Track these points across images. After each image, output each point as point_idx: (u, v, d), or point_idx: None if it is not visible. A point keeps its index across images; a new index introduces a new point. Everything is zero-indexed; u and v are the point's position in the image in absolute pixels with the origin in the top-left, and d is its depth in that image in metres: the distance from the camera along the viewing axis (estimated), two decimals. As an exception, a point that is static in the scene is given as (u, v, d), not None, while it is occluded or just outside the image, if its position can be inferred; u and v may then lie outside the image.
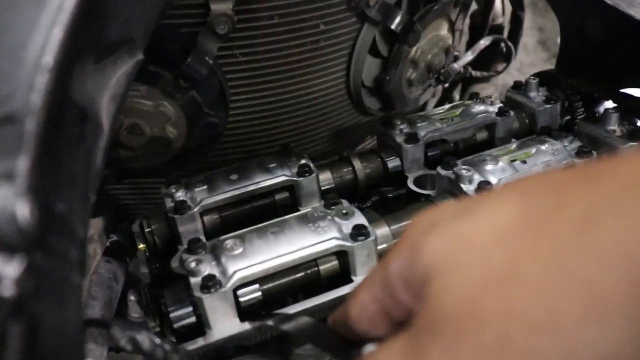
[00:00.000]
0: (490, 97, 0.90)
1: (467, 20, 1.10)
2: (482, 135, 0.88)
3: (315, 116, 0.96)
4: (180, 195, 0.72)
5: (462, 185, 0.69)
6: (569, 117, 0.90)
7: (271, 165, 0.75)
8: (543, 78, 0.91)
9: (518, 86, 0.92)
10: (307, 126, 0.97)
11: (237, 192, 0.72)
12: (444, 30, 0.99)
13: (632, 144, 0.76)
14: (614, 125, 0.79)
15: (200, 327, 0.59)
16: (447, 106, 0.91)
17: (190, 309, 0.59)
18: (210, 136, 0.85)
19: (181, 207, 0.69)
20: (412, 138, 0.80)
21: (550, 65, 2.84)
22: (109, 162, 0.85)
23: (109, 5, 0.36)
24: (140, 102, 0.78)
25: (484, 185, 0.68)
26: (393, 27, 0.88)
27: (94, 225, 0.62)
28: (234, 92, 0.85)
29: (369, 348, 0.36)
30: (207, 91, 0.80)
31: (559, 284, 0.22)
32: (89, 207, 0.35)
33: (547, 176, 0.28)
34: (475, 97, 0.91)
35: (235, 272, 0.58)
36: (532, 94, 0.89)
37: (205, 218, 0.73)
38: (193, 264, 0.59)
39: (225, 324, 0.58)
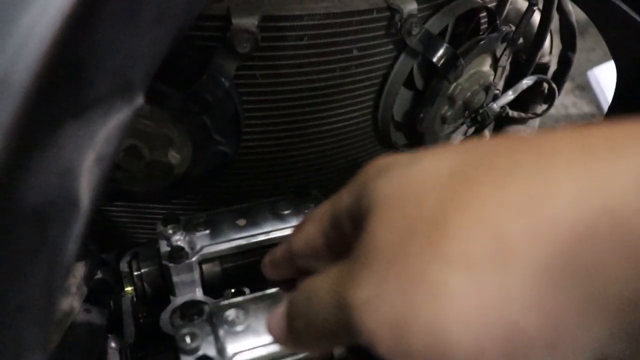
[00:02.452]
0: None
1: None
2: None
3: (336, 148, 0.86)
4: (177, 239, 0.62)
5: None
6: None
7: (285, 212, 0.66)
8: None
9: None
10: (326, 158, 0.87)
11: (243, 242, 0.62)
12: (486, 66, 0.89)
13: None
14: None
15: (188, 412, 0.49)
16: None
17: (177, 391, 0.49)
18: (218, 165, 0.75)
19: (178, 255, 0.59)
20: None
21: (574, 97, 2.74)
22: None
23: (95, 57, 0.26)
24: (141, 123, 0.68)
25: None
26: (434, 60, 0.78)
27: (72, 273, 0.53)
28: (248, 117, 0.75)
29: None
30: (219, 116, 0.70)
31: (475, 231, 0.24)
32: (52, 325, 0.26)
33: (497, 140, 0.29)
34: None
35: (235, 354, 0.48)
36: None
37: (205, 267, 0.63)
38: (187, 339, 0.49)
39: (218, 414, 0.49)
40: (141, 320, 0.63)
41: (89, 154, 0.31)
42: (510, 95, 0.95)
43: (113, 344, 0.64)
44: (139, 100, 0.35)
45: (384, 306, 0.26)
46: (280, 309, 0.35)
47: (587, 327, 0.22)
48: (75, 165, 0.30)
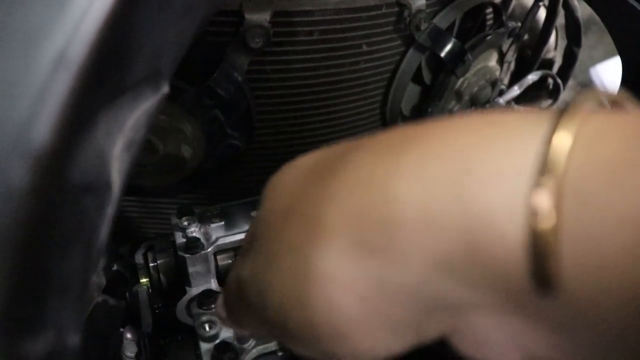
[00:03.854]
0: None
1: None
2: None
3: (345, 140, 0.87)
4: (193, 230, 0.63)
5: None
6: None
7: (298, 203, 0.66)
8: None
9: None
10: (335, 152, 0.88)
11: (258, 232, 0.63)
12: (493, 61, 0.90)
13: None
14: None
15: (208, 399, 0.50)
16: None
17: (198, 378, 0.50)
18: (230, 158, 0.76)
19: (193, 246, 0.60)
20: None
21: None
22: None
23: (135, 42, 0.27)
24: (156, 117, 0.69)
25: None
26: (442, 54, 0.79)
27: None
28: (260, 111, 0.76)
29: None
30: (231, 110, 0.71)
31: (304, 220, 0.27)
32: (86, 308, 0.27)
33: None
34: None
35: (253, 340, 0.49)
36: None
37: (219, 257, 0.64)
38: (206, 327, 0.50)
39: (237, 399, 0.50)
40: (157, 311, 0.64)
41: (119, 140, 0.32)
42: (516, 91, 0.96)
43: (129, 335, 0.65)
44: (165, 88, 0.36)
45: (252, 281, 0.30)
46: (220, 296, 0.39)
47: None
48: (107, 151, 0.30)
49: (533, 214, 0.20)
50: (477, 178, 0.22)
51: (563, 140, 0.21)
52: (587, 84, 2.63)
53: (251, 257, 0.31)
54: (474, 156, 0.23)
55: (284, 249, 0.27)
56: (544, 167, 0.21)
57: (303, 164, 0.31)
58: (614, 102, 0.25)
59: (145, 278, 0.66)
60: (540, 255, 0.20)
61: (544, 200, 0.20)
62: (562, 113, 0.23)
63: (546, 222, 0.20)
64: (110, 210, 0.30)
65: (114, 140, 0.32)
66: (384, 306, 0.24)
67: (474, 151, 0.23)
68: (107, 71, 0.24)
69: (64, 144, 0.21)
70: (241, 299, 0.33)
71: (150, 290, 0.64)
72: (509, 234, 0.21)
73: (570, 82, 2.86)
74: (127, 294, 0.67)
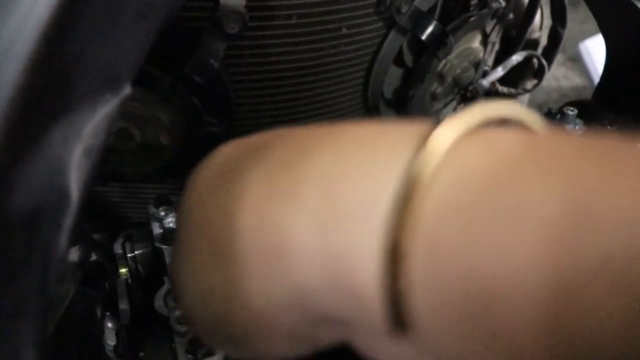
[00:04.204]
0: (524, 126, 0.81)
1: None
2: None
3: (327, 124, 0.87)
4: (170, 221, 0.62)
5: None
6: (607, 154, 0.81)
7: (276, 192, 0.66)
8: (580, 109, 0.82)
9: (553, 114, 0.83)
10: (317, 136, 0.87)
11: (235, 222, 0.63)
12: (476, 42, 0.89)
13: None
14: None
15: (183, 392, 0.50)
16: (475, 132, 0.82)
17: (172, 372, 0.50)
18: (210, 146, 0.75)
19: (170, 237, 0.60)
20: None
21: (565, 69, 2.74)
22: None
23: (83, 56, 0.26)
24: (132, 106, 0.68)
25: None
26: (424, 37, 0.78)
27: (67, 259, 0.53)
28: (239, 97, 0.75)
29: None
30: (209, 97, 0.70)
31: (205, 233, 0.27)
32: (46, 322, 0.26)
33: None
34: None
35: (229, 335, 0.49)
36: (568, 127, 0.80)
37: (197, 247, 0.64)
38: (181, 321, 0.50)
39: (212, 393, 0.50)
40: (136, 302, 0.63)
41: (77, 148, 0.32)
42: (500, 72, 0.95)
43: (110, 325, 0.65)
44: (126, 90, 0.35)
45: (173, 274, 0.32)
46: None
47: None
48: (64, 161, 0.30)
49: (385, 260, 0.20)
50: (337, 211, 0.22)
51: (423, 170, 0.20)
52: (577, 59, 2.62)
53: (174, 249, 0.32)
54: (338, 185, 0.23)
55: (190, 254, 0.28)
56: (400, 204, 0.20)
57: (215, 162, 0.32)
58: (518, 123, 0.24)
59: (124, 268, 0.66)
60: (393, 300, 0.20)
61: (396, 245, 0.20)
62: (430, 133, 0.22)
63: (397, 270, 0.20)
64: (69, 222, 0.30)
65: (71, 148, 0.31)
66: (273, 318, 0.25)
67: (338, 178, 0.23)
68: (46, 94, 0.23)
69: (6, 166, 0.21)
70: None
71: (129, 281, 0.64)
72: (365, 275, 0.21)
73: (560, 57, 2.86)
74: (107, 283, 0.67)
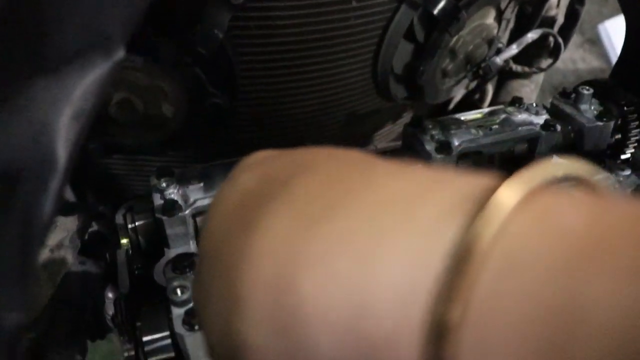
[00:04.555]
0: (536, 106, 0.79)
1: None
2: (521, 147, 0.77)
3: (335, 100, 0.85)
4: (171, 192, 0.62)
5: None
6: (620, 136, 0.79)
7: (280, 165, 0.65)
8: (596, 88, 0.80)
9: (567, 94, 0.81)
10: (325, 111, 0.86)
11: (237, 195, 0.62)
12: (490, 19, 0.87)
13: None
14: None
15: (179, 364, 0.50)
16: (485, 110, 0.80)
17: (168, 341, 0.50)
18: (213, 117, 0.75)
19: (171, 208, 0.60)
20: (444, 147, 0.70)
21: (583, 52, 2.69)
22: (96, 135, 0.75)
23: (54, 10, 0.25)
24: (134, 75, 0.67)
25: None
26: (435, 12, 0.76)
27: (64, 228, 0.53)
28: (244, 69, 0.74)
29: None
30: (213, 68, 0.69)
31: (226, 275, 0.24)
32: (30, 284, 0.26)
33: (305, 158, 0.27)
34: (518, 102, 0.80)
35: (225, 307, 0.48)
36: (584, 107, 0.78)
37: (199, 220, 0.64)
38: (178, 291, 0.49)
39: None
40: (136, 272, 0.63)
41: (65, 109, 0.31)
42: (514, 49, 0.93)
43: (110, 295, 0.65)
44: (119, 54, 0.34)
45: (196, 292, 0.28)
46: None
47: None
48: (50, 122, 0.29)
49: (431, 336, 0.18)
50: (373, 283, 0.20)
51: (481, 238, 0.18)
52: (595, 41, 2.57)
53: (197, 270, 0.29)
54: (376, 249, 0.20)
55: (212, 289, 0.25)
56: (451, 275, 0.18)
57: (241, 186, 0.27)
58: (581, 182, 0.22)
59: (125, 239, 0.65)
60: None
61: (445, 320, 0.18)
62: (490, 195, 0.19)
63: (445, 346, 0.18)
64: (55, 184, 0.29)
65: (59, 110, 0.31)
66: None
67: (377, 241, 0.20)
68: (23, 46, 0.22)
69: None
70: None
71: (129, 252, 0.64)
72: (406, 355, 0.19)
73: (578, 39, 2.80)
74: (107, 254, 0.67)
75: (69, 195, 0.86)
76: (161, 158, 0.85)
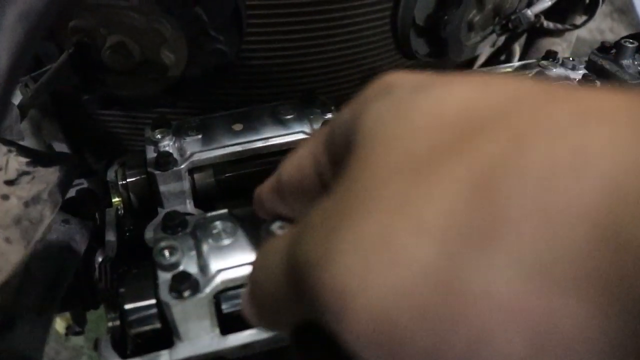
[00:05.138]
0: (572, 60, 0.71)
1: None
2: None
3: (349, 55, 0.78)
4: (166, 144, 0.55)
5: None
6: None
7: (288, 117, 0.59)
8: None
9: (607, 49, 0.73)
10: (338, 66, 0.79)
11: (239, 148, 0.55)
12: (523, -35, 0.79)
13: None
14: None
15: (168, 334, 0.44)
16: (517, 64, 0.73)
17: (154, 310, 0.44)
18: (217, 66, 0.68)
19: (164, 162, 0.53)
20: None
21: (612, 21, 2.57)
22: (90, 85, 0.69)
23: None
24: (128, 16, 0.60)
25: None
26: (463, -46, 0.68)
27: (43, 180, 0.47)
28: (252, 15, 0.67)
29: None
30: (216, 9, 0.62)
31: (460, 200, 0.19)
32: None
33: (527, 83, 0.22)
34: (552, 56, 0.72)
35: (219, 271, 0.42)
36: (626, 62, 0.70)
37: (197, 176, 0.57)
38: (165, 253, 0.43)
39: (200, 337, 0.44)
40: (127, 234, 0.57)
41: (9, 11, 0.25)
42: (547, 2, 0.85)
43: (100, 259, 0.60)
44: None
45: (333, 268, 0.20)
46: (246, 289, 0.30)
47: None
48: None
49: None
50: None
51: None
52: (625, 11, 2.45)
53: (326, 232, 0.22)
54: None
55: (413, 239, 0.19)
56: None
57: (444, 101, 0.22)
58: None
59: (117, 197, 0.59)
60: None
61: None
62: None
63: None
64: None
65: (4, 8, 0.24)
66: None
67: None
68: None
69: None
70: (283, 287, 0.25)
71: (120, 212, 0.58)
72: None
73: (607, 8, 2.69)
74: (97, 214, 0.61)
75: (61, 148, 0.80)
76: (161, 112, 0.78)
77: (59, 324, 1.09)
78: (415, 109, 0.23)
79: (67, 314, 1.00)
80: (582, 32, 2.33)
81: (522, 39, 1.03)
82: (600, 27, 2.44)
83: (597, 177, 0.17)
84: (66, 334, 1.06)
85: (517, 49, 1.04)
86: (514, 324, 0.17)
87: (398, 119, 0.23)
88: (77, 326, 0.90)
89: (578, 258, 0.16)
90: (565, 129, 0.18)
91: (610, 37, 2.44)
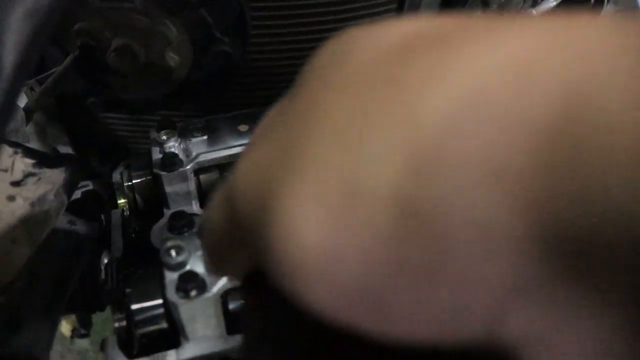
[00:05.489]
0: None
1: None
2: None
3: (355, 56, 0.78)
4: (172, 145, 0.55)
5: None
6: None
7: (293, 119, 0.58)
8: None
9: None
10: (343, 67, 0.78)
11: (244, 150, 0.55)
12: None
13: None
14: None
15: (175, 334, 0.44)
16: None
17: (161, 311, 0.44)
18: (222, 68, 0.68)
19: (170, 163, 0.53)
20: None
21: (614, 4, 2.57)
22: (95, 88, 0.69)
23: None
24: (134, 18, 0.60)
25: None
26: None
27: (49, 180, 0.47)
28: (257, 17, 0.67)
29: None
30: (221, 11, 0.62)
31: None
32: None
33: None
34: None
35: (226, 271, 0.42)
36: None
37: (202, 177, 0.57)
38: (172, 253, 0.43)
39: (207, 337, 0.44)
40: (133, 235, 0.57)
41: (16, 9, 0.25)
42: (551, 3, 0.84)
43: (106, 260, 0.60)
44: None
45: (288, 219, 0.17)
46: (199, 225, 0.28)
47: None
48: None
49: None
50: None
51: None
52: (629, 11, 2.45)
53: (253, 155, 0.20)
54: None
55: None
56: None
57: (384, 33, 0.20)
58: None
59: (123, 199, 0.59)
60: None
61: None
62: None
63: None
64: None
65: (7, 9, 0.25)
66: None
67: None
68: None
69: None
70: (222, 218, 0.22)
71: (126, 213, 0.58)
72: None
73: (610, 9, 2.68)
74: (103, 216, 0.61)
75: (65, 151, 0.80)
76: (166, 115, 0.78)
77: (65, 327, 1.09)
78: (358, 40, 0.21)
79: (73, 317, 1.00)
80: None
81: None
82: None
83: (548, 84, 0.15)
84: (72, 337, 1.06)
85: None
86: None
87: (338, 52, 0.21)
88: (83, 329, 0.90)
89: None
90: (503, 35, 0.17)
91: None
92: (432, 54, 0.17)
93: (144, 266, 0.48)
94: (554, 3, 0.83)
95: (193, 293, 0.41)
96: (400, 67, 0.18)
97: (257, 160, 0.20)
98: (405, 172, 0.16)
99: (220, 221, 0.23)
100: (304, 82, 0.21)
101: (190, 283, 0.40)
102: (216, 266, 0.26)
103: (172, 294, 0.41)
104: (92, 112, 0.76)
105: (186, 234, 0.46)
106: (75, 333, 1.06)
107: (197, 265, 0.43)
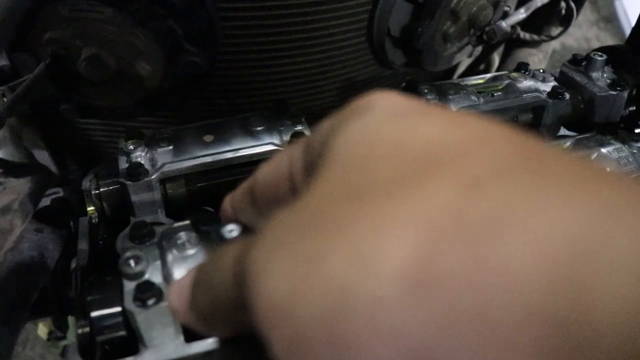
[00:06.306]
0: (543, 72, 0.73)
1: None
2: (525, 117, 0.71)
3: (325, 65, 0.79)
4: (137, 155, 0.57)
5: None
6: (635, 107, 0.73)
7: (258, 128, 0.60)
8: (610, 55, 0.74)
9: (578, 61, 0.75)
10: (314, 76, 0.80)
11: (209, 159, 0.57)
12: (496, -23, 0.80)
13: None
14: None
15: (134, 342, 0.45)
16: (488, 76, 0.74)
17: (120, 319, 0.45)
18: (192, 77, 0.69)
19: (135, 172, 0.54)
20: (440, 114, 0.64)
21: (598, 30, 2.59)
22: (67, 95, 0.70)
23: None
24: (103, 28, 0.61)
25: None
26: (435, -33, 0.70)
27: (14, 190, 0.48)
28: (227, 27, 0.68)
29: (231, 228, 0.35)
30: (190, 22, 0.63)
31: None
32: None
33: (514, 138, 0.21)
34: (524, 68, 0.74)
35: (183, 281, 0.43)
36: (595, 75, 0.72)
37: (169, 186, 0.58)
38: (131, 263, 0.44)
39: (164, 344, 0.45)
40: (101, 243, 0.58)
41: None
42: (522, 14, 0.86)
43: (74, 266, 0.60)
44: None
45: (267, 281, 0.21)
46: (186, 278, 0.29)
47: None
48: None
49: None
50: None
51: None
52: (611, 19, 2.48)
53: (270, 243, 0.22)
54: None
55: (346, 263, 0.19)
56: None
57: (416, 131, 0.23)
58: None
59: (92, 206, 0.60)
60: None
61: None
62: None
63: None
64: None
65: None
66: None
67: None
68: None
69: None
70: (232, 294, 0.25)
71: (93, 221, 0.59)
72: None
73: (593, 16, 2.70)
74: (72, 223, 0.62)
75: (43, 159, 0.81)
76: (140, 124, 0.79)
77: (42, 330, 1.10)
78: (382, 137, 0.23)
79: (50, 320, 1.00)
80: (569, 41, 2.35)
81: (501, 49, 1.05)
82: (587, 36, 2.46)
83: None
84: (48, 339, 1.06)
85: (495, 58, 1.05)
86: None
87: (363, 145, 0.23)
88: (59, 331, 0.90)
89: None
90: (519, 179, 0.18)
91: (596, 45, 2.47)
92: (449, 186, 0.19)
93: (107, 274, 0.49)
94: (524, 15, 0.84)
95: (150, 302, 0.42)
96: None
97: (268, 236, 0.23)
98: None
99: (226, 282, 0.25)
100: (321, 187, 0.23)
101: (147, 292, 0.42)
102: (203, 321, 0.28)
103: (129, 302, 0.42)
104: (66, 117, 0.77)
105: (147, 244, 0.47)
106: (52, 335, 1.06)
107: (154, 275, 0.44)
